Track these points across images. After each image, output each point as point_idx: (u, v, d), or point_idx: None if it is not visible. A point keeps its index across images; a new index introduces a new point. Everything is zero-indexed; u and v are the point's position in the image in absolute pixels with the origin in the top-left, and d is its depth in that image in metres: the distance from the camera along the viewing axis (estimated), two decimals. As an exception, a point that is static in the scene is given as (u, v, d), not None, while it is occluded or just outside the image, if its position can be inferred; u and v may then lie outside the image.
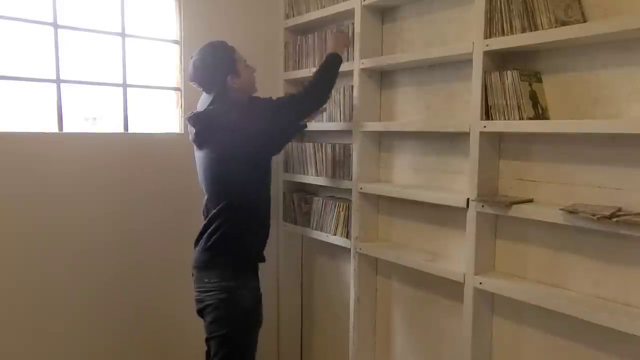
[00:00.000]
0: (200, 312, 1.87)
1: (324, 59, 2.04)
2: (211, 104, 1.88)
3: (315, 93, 1.96)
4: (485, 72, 1.63)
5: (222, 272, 1.82)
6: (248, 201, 1.86)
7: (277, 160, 2.63)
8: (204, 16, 2.45)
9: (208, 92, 1.91)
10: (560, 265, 1.60)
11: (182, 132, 2.42)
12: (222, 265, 1.83)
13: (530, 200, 1.62)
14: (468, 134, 1.69)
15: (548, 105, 1.59)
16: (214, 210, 1.85)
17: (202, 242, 1.87)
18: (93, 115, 2.34)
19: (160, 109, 2.47)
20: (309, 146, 2.48)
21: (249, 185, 1.86)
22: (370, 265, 2.29)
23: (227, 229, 1.83)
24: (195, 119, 1.86)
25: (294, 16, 2.59)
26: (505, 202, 1.56)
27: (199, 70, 1.87)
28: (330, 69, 2.00)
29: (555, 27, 1.44)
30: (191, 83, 1.93)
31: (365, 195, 2.20)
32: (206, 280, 1.83)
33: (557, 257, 1.61)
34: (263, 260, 1.97)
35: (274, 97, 1.99)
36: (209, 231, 1.85)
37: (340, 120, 2.31)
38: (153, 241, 2.38)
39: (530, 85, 1.55)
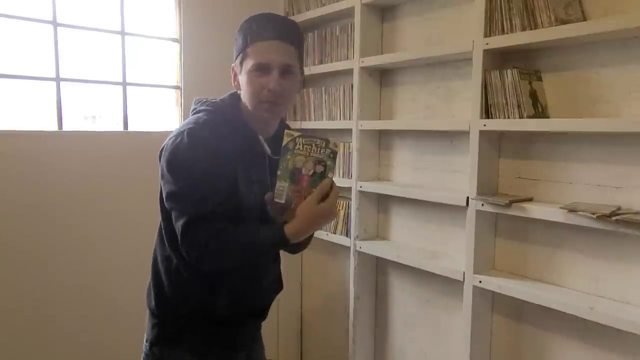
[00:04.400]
0: None
1: (272, 229, 1.14)
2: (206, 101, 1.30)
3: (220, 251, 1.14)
4: (485, 71, 1.63)
5: (150, 332, 1.31)
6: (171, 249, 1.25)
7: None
8: (204, 14, 2.45)
9: None
10: (559, 264, 1.61)
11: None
12: (151, 324, 1.31)
13: (530, 199, 1.62)
14: (468, 132, 1.69)
15: (548, 103, 1.59)
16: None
17: None
18: (93, 113, 2.34)
19: (160, 107, 2.47)
20: (308, 145, 2.48)
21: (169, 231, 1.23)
22: (369, 264, 2.29)
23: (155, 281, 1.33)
24: (193, 103, 1.33)
25: (294, 14, 2.59)
26: (505, 201, 1.56)
27: None
28: (261, 249, 1.17)
29: (555, 25, 1.44)
30: None
31: (365, 194, 2.20)
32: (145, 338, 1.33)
33: (557, 255, 1.61)
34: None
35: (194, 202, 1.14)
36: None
37: (340, 119, 2.31)
38: (153, 239, 2.38)
39: (530, 83, 1.55)
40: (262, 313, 1.39)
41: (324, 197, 1.14)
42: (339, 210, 2.31)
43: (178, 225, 1.14)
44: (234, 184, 1.19)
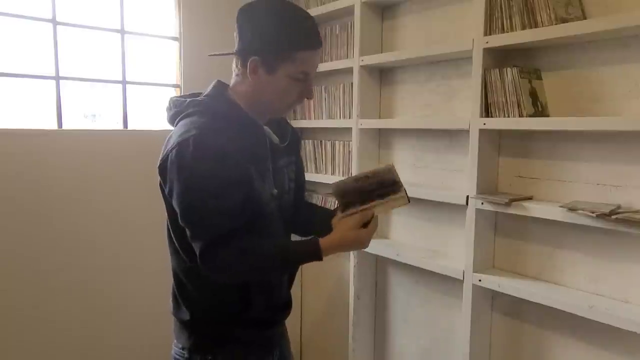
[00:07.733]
0: None
1: (308, 245, 1.13)
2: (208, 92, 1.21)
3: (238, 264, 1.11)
4: (485, 69, 1.63)
5: (186, 340, 1.23)
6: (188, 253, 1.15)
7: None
8: (204, 13, 2.45)
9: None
10: (559, 263, 1.61)
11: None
12: (186, 332, 1.23)
13: (530, 198, 1.62)
14: (468, 131, 1.69)
15: (548, 102, 1.59)
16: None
17: None
18: (92, 112, 2.34)
19: (159, 105, 2.47)
20: (308, 143, 2.48)
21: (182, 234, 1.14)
22: (369, 263, 2.29)
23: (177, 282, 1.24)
24: (169, 103, 1.22)
25: (293, 13, 2.59)
26: (504, 199, 1.56)
27: (248, 20, 1.14)
28: (291, 263, 1.19)
29: (555, 24, 1.44)
30: None
31: (364, 193, 2.20)
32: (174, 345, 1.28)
33: (556, 254, 1.61)
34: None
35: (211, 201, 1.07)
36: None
37: (340, 118, 2.31)
38: (152, 238, 2.38)
39: (530, 82, 1.55)
40: (289, 305, 1.35)
41: (365, 224, 1.18)
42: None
43: (195, 246, 1.08)
44: (250, 185, 1.11)
